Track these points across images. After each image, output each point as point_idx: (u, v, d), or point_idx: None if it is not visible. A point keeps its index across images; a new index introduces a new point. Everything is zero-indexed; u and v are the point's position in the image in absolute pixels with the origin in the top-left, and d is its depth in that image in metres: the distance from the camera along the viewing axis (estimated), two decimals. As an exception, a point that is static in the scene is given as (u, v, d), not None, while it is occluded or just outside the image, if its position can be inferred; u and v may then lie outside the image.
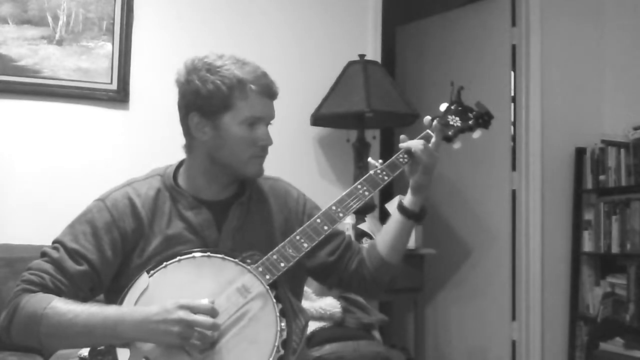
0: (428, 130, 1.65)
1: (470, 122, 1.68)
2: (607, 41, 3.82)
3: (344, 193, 1.56)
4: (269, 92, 1.53)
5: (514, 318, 3.67)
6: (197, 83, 1.49)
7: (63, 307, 1.36)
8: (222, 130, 1.50)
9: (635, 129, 3.48)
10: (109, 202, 1.51)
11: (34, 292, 1.39)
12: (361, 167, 3.13)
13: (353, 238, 2.95)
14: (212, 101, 1.49)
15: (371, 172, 1.59)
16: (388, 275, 1.66)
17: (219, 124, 1.50)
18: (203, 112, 1.50)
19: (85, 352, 2.02)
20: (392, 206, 3.12)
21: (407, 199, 1.62)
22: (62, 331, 1.35)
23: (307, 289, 2.57)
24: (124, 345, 1.34)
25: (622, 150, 3.50)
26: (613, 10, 3.83)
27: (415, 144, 1.58)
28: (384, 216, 3.28)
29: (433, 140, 1.61)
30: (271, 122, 1.57)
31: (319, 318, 2.55)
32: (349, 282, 1.67)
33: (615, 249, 3.48)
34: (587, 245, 3.62)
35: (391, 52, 4.31)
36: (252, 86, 1.49)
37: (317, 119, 3.21)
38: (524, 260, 3.65)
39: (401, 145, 1.61)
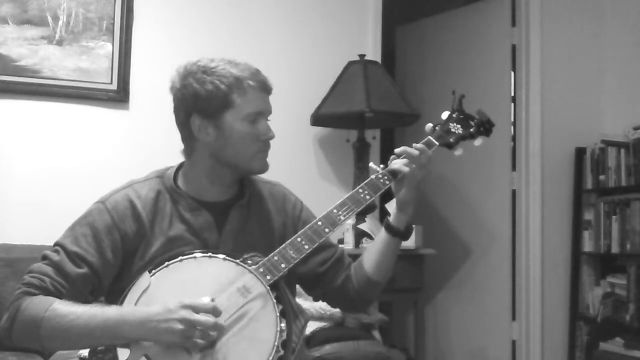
0: (430, 137, 1.65)
1: (471, 130, 1.70)
2: (607, 41, 3.82)
3: (345, 197, 1.57)
4: (265, 87, 1.55)
5: (514, 318, 3.67)
6: (195, 86, 1.50)
7: (63, 309, 1.36)
8: (225, 130, 1.51)
9: (635, 129, 3.47)
10: (109, 205, 1.51)
11: (35, 294, 1.40)
12: (361, 167, 3.13)
13: (353, 238, 2.97)
14: (212, 101, 1.50)
15: (372, 176, 1.60)
16: (373, 293, 1.66)
17: (221, 123, 1.51)
18: (204, 114, 1.51)
19: (85, 352, 2.02)
20: (392, 206, 3.12)
21: (393, 216, 1.63)
22: (62, 333, 1.35)
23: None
24: (124, 346, 1.34)
25: (622, 150, 3.50)
26: (613, 10, 3.83)
27: (399, 165, 1.56)
28: (384, 216, 3.27)
29: (411, 152, 1.58)
30: (269, 116, 1.58)
31: (319, 318, 2.55)
32: (333, 296, 1.68)
33: (615, 249, 3.47)
34: (587, 245, 3.62)
35: (391, 52, 4.31)
36: (250, 82, 1.51)
37: (317, 119, 3.21)
38: (524, 260, 3.65)
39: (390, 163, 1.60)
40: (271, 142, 1.58)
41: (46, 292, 1.40)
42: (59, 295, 1.40)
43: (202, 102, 1.50)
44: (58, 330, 1.35)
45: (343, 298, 1.66)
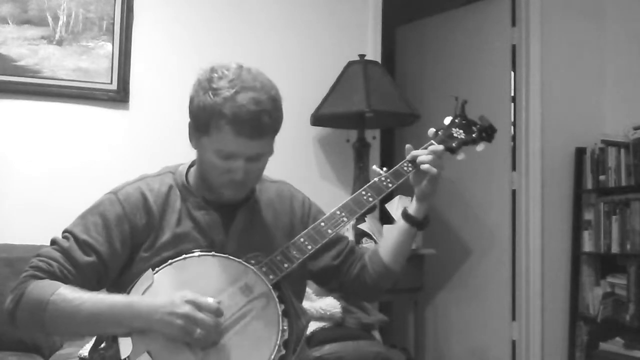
0: (432, 141, 1.68)
1: (474, 135, 1.74)
2: (607, 41, 3.83)
3: (349, 198, 1.59)
4: (247, 133, 1.41)
5: (514, 318, 3.67)
6: (192, 94, 1.48)
7: (70, 294, 1.36)
8: (201, 149, 1.50)
9: (635, 129, 3.48)
10: (121, 196, 1.52)
11: (42, 278, 1.40)
12: (361, 167, 3.13)
13: (353, 238, 2.97)
14: (197, 118, 1.46)
15: (375, 179, 1.63)
16: (389, 281, 1.70)
17: (200, 142, 1.48)
18: (192, 125, 1.50)
19: (85, 352, 2.02)
20: (392, 207, 3.12)
21: (412, 206, 1.66)
22: (67, 317, 1.35)
23: (307, 289, 2.57)
24: (126, 335, 1.35)
25: (622, 150, 3.50)
26: (613, 10, 3.83)
27: (420, 155, 1.61)
28: (383, 216, 3.29)
29: (437, 150, 1.62)
30: (253, 157, 1.46)
31: (319, 318, 2.56)
32: (350, 286, 1.70)
33: (615, 249, 3.48)
34: (587, 245, 3.62)
35: (391, 52, 4.31)
36: (227, 125, 1.39)
37: (317, 119, 3.21)
38: (524, 260, 3.65)
39: (408, 152, 1.64)
40: (244, 177, 1.47)
41: (53, 276, 1.40)
42: (66, 282, 1.40)
43: (192, 114, 1.48)
44: (63, 315, 1.35)
45: (359, 287, 1.69)
